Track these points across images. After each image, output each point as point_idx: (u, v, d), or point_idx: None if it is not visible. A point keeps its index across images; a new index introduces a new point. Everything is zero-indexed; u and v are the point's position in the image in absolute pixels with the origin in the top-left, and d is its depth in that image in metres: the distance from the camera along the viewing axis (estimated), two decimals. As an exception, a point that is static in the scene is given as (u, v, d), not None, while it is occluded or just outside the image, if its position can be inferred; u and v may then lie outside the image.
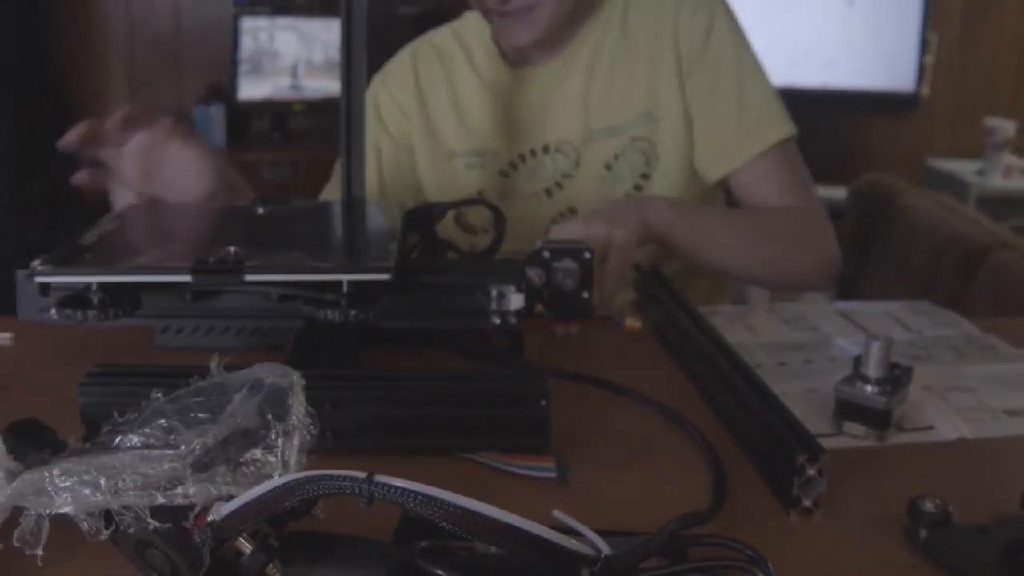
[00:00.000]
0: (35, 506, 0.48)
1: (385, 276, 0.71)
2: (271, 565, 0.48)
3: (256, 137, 3.39)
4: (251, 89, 3.28)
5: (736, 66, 1.13)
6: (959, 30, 3.65)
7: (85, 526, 0.48)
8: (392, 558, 0.49)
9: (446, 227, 1.05)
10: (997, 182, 3.38)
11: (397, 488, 0.45)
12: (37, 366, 0.84)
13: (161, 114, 0.95)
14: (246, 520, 0.47)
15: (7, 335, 0.88)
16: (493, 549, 0.48)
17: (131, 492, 0.47)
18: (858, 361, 0.72)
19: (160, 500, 0.47)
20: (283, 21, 3.29)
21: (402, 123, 1.23)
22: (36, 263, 0.71)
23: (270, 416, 0.52)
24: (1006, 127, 3.40)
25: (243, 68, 3.27)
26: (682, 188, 1.16)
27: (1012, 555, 0.55)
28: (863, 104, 3.45)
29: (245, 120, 3.38)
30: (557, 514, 0.50)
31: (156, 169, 0.93)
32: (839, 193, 3.07)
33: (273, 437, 0.51)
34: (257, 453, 0.50)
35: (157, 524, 0.47)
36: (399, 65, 1.25)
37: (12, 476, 0.49)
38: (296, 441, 0.51)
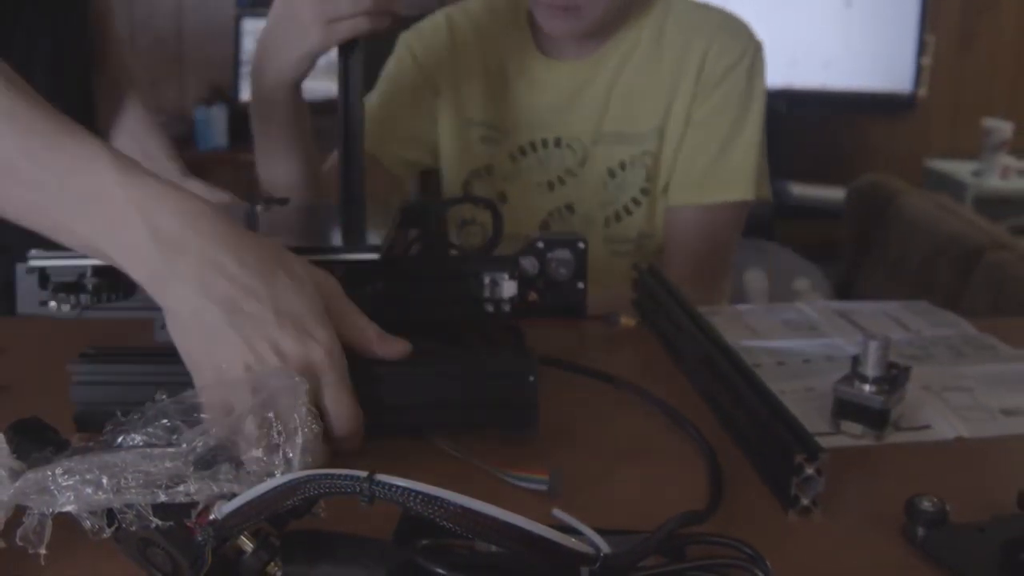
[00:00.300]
0: (38, 505, 0.48)
1: (374, 255, 0.71)
2: (272, 564, 0.48)
3: (257, 138, 3.39)
4: (252, 90, 3.29)
5: (734, 116, 1.15)
6: (956, 31, 3.65)
7: (87, 524, 0.48)
8: (393, 557, 0.49)
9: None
10: (994, 183, 3.39)
11: (398, 487, 0.45)
12: (38, 366, 0.84)
13: None
14: (247, 519, 0.47)
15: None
16: (493, 548, 0.48)
17: (133, 490, 0.47)
18: (856, 361, 0.73)
19: (162, 498, 0.48)
20: (283, 22, 3.29)
21: (435, 75, 1.23)
22: (33, 251, 0.72)
23: (272, 416, 0.52)
24: (1003, 128, 3.41)
25: (245, 69, 3.26)
26: None
27: (1009, 554, 0.55)
28: (861, 105, 3.45)
29: (246, 121, 3.37)
30: (557, 513, 0.50)
31: None
32: (837, 193, 3.08)
33: (275, 436, 0.51)
34: (259, 452, 0.51)
35: (159, 522, 0.47)
36: (433, 25, 1.25)
37: (15, 475, 0.49)
38: (299, 440, 0.51)
